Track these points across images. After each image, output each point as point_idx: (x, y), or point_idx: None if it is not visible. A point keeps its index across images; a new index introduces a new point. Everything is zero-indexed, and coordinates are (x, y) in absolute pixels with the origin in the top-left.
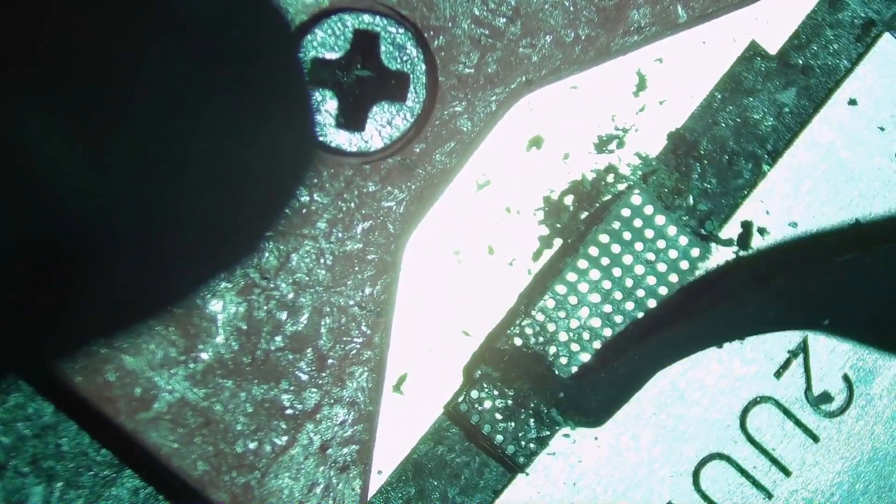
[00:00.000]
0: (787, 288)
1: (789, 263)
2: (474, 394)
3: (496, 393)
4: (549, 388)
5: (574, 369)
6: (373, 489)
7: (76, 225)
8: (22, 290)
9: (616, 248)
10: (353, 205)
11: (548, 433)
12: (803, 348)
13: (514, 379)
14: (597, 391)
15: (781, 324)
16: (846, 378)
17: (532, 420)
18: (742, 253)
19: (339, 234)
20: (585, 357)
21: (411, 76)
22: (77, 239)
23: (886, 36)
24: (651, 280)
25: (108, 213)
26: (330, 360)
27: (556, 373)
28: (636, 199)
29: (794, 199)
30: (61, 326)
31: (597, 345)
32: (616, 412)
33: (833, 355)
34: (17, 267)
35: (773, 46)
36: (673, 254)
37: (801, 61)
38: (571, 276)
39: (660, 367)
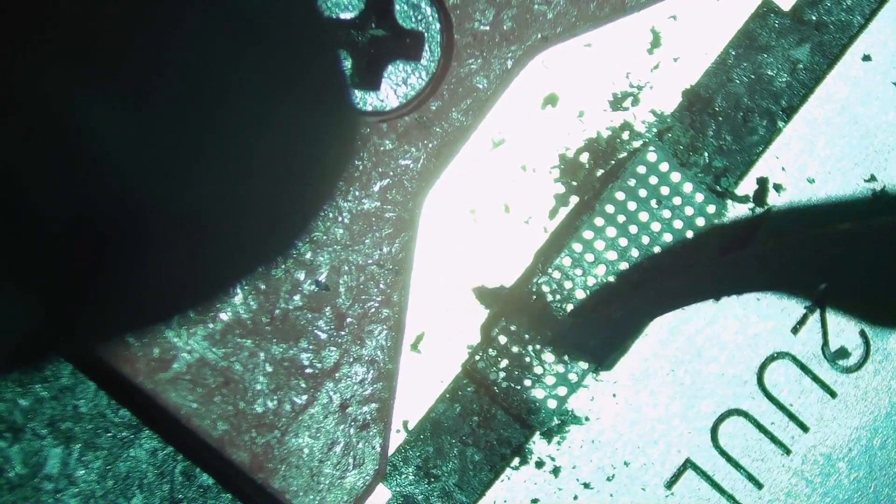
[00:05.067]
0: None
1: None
2: (491, 352)
3: (514, 351)
4: (560, 340)
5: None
6: (392, 448)
7: (124, 207)
8: (67, 274)
9: (632, 206)
10: (369, 163)
11: (566, 391)
12: (820, 304)
13: (532, 337)
14: (596, 333)
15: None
16: (863, 333)
17: (550, 378)
18: (758, 209)
19: (357, 193)
20: None
21: (426, 35)
22: (124, 222)
23: None
24: (667, 237)
25: (157, 197)
26: (349, 319)
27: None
28: (652, 157)
29: (810, 155)
30: (106, 311)
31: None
32: (620, 355)
33: (850, 311)
34: (62, 249)
35: (786, 2)
36: (689, 210)
37: (814, 17)
38: (588, 234)
39: (657, 314)
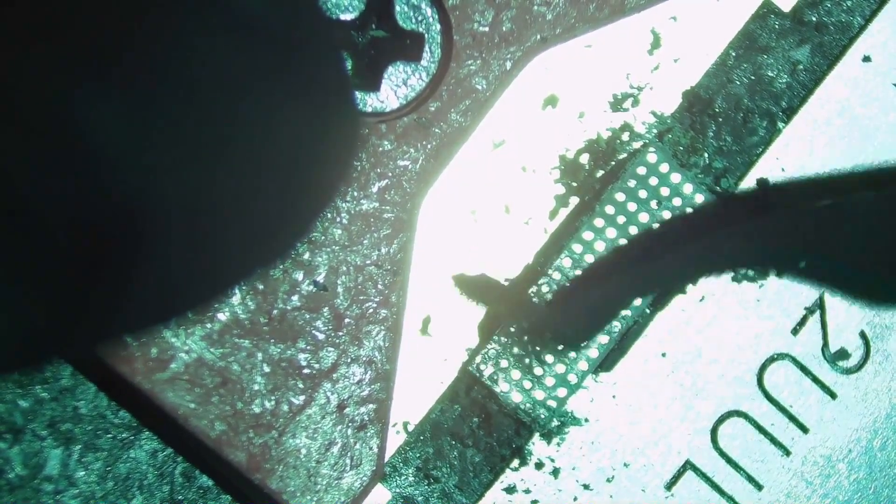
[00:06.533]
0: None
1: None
2: (491, 352)
3: (513, 352)
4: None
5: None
6: (390, 449)
7: (124, 208)
8: (66, 275)
9: (632, 207)
10: (368, 164)
11: (566, 392)
12: (820, 305)
13: (532, 338)
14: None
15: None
16: (863, 334)
17: (549, 380)
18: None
19: (355, 193)
20: None
21: (426, 36)
22: (124, 222)
23: None
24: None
25: (157, 197)
26: (347, 320)
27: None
28: (652, 158)
29: (810, 155)
30: (105, 312)
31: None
32: (620, 355)
33: (850, 312)
34: (62, 250)
35: (786, 3)
36: (689, 211)
37: (814, 18)
38: (587, 235)
39: (635, 296)
